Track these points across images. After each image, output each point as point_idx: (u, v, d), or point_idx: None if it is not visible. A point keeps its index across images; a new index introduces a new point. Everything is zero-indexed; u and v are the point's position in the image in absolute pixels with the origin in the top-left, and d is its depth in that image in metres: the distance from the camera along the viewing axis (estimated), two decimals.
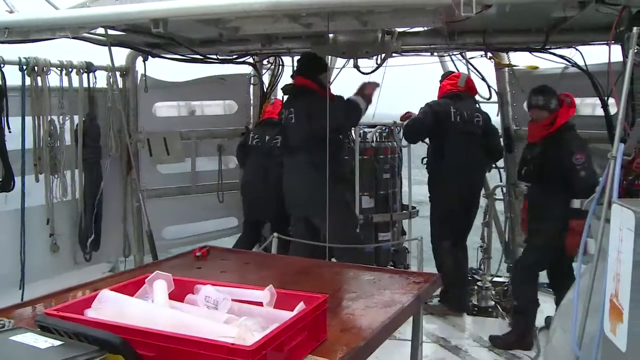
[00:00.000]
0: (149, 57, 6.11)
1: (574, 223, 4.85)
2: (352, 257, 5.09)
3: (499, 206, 7.06)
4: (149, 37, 5.22)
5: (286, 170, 5.71)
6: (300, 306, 2.22)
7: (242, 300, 2.35)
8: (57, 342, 1.84)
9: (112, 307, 2.22)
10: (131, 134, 6.31)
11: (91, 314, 2.22)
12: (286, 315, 2.18)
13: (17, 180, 5.22)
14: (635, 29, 3.08)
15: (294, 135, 5.54)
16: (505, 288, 6.51)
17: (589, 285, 3.32)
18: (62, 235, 5.84)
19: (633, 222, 2.33)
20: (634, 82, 3.37)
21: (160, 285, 2.39)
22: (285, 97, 6.03)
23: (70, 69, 5.70)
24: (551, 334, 4.47)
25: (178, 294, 2.43)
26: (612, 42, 3.58)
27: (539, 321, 5.61)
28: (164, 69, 6.55)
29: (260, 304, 2.32)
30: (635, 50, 3.16)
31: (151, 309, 2.22)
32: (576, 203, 4.97)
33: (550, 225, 5.19)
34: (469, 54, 6.31)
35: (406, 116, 6.44)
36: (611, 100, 5.10)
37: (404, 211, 6.63)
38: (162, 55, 6.05)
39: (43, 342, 1.84)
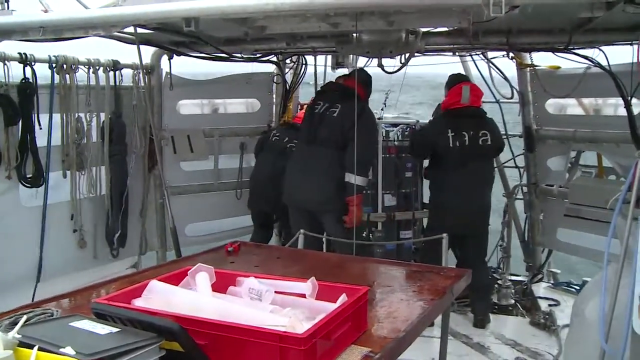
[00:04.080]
0: (174, 55, 6.18)
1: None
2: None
3: (519, 205, 7.11)
4: (175, 35, 5.28)
5: (302, 158, 5.73)
6: (343, 298, 2.28)
7: (284, 292, 2.42)
8: (115, 329, 1.90)
9: (160, 297, 2.29)
10: (155, 131, 6.38)
11: (139, 303, 2.29)
12: (329, 306, 2.24)
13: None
14: None
15: (329, 128, 5.54)
16: (525, 287, 6.55)
17: (614, 283, 3.36)
18: (87, 231, 5.90)
19: None
20: None
21: (203, 277, 2.45)
22: (325, 92, 6.02)
23: (97, 67, 5.76)
24: (570, 331, 4.53)
25: (219, 286, 2.49)
26: (638, 42, 3.61)
27: (562, 320, 5.65)
28: (187, 66, 6.61)
29: (302, 295, 2.38)
30: None
31: (198, 299, 2.29)
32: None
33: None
34: (490, 54, 6.27)
35: None
36: (634, 101, 5.13)
37: (425, 209, 6.67)
38: (188, 53, 6.09)
39: (100, 328, 1.90)
